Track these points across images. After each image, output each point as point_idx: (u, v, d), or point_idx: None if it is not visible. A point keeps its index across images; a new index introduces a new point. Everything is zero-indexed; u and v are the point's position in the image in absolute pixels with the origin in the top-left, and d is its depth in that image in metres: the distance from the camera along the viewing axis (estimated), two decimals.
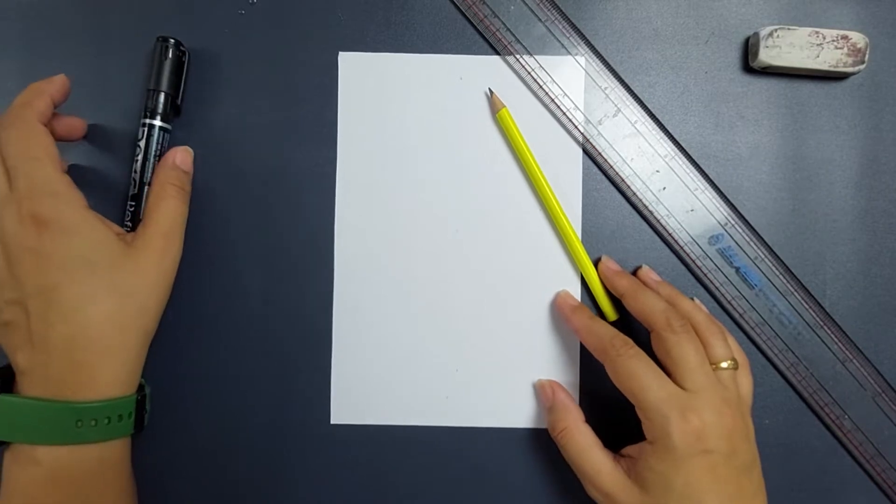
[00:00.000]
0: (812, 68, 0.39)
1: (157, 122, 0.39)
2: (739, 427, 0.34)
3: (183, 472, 0.40)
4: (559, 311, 0.40)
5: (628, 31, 0.41)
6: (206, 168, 0.40)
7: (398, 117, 0.41)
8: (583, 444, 0.37)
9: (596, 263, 0.40)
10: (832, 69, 0.39)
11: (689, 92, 0.41)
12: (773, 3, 0.41)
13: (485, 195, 0.41)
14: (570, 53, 0.40)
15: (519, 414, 0.41)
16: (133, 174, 0.39)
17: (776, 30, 0.39)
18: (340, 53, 0.41)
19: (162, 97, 0.39)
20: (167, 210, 0.37)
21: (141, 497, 0.37)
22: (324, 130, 0.40)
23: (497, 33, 0.40)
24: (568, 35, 0.40)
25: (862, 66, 0.39)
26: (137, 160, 0.39)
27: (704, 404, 0.33)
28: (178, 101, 0.39)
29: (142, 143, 0.38)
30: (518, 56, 0.40)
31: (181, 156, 0.39)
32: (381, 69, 0.41)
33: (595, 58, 0.40)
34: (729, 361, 0.36)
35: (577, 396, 0.40)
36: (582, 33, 0.40)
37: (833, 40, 0.39)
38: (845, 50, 0.39)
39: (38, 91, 0.36)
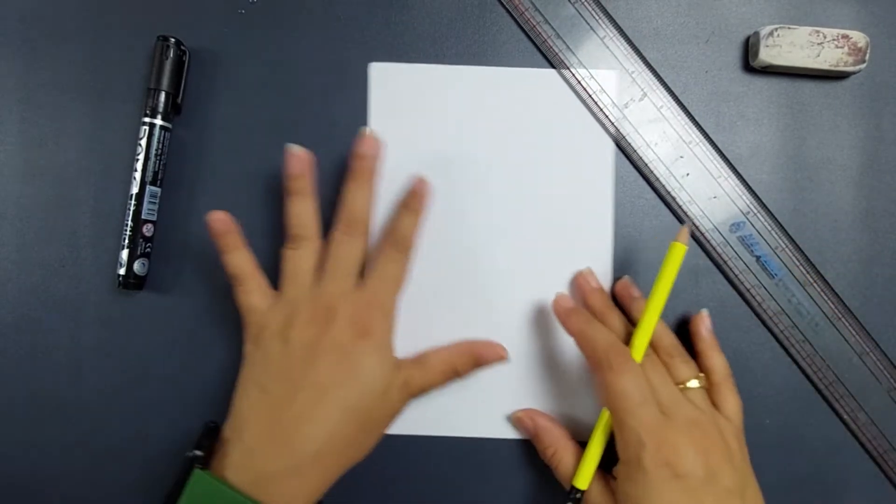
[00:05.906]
0: (812, 67, 0.39)
1: (158, 121, 0.38)
2: (717, 448, 0.33)
3: None
4: (555, 314, 0.39)
5: (629, 30, 0.41)
6: (206, 167, 0.40)
7: (425, 126, 0.40)
8: (573, 463, 0.37)
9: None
10: (833, 68, 0.39)
11: (690, 91, 0.41)
12: (774, 3, 0.41)
13: (506, 206, 0.40)
14: (597, 35, 0.40)
15: None
16: (134, 173, 0.38)
17: (776, 29, 0.39)
18: (371, 64, 0.40)
19: (163, 96, 0.38)
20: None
21: None
22: (324, 129, 0.40)
23: (525, 13, 0.40)
24: (597, 17, 0.40)
25: (862, 66, 0.39)
26: (138, 159, 0.38)
27: (678, 429, 0.33)
28: (179, 100, 0.39)
29: (143, 142, 0.38)
30: (547, 39, 0.39)
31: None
32: (410, 80, 0.40)
33: (623, 41, 0.40)
34: (696, 380, 0.36)
35: (591, 404, 0.40)
36: (611, 15, 0.40)
37: (833, 39, 0.39)
38: (846, 49, 0.39)
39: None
